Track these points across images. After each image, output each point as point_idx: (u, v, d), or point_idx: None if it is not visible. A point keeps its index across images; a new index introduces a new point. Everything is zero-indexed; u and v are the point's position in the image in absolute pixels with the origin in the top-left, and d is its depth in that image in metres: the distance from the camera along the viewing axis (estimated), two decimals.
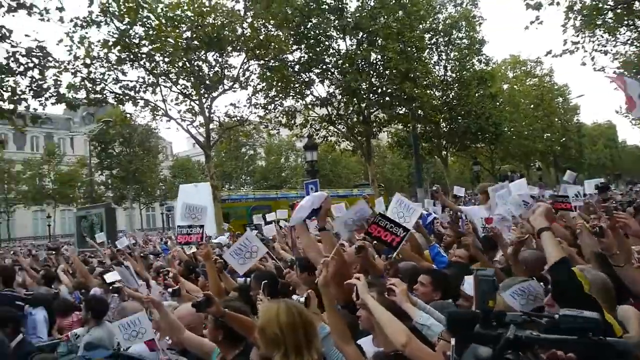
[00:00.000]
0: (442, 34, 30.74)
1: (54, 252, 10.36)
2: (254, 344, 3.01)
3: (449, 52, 31.41)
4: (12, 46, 13.63)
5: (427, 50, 28.81)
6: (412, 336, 2.64)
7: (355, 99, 23.36)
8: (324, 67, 23.36)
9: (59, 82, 14.96)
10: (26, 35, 13.00)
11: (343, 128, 25.10)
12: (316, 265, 3.30)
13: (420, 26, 26.26)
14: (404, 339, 2.60)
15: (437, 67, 30.86)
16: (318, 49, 22.78)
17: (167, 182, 54.37)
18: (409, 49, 23.48)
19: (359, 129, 24.33)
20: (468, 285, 3.39)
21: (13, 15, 13.97)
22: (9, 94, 14.32)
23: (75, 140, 59.64)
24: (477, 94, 30.88)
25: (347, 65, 22.68)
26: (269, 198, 23.55)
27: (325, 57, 23.21)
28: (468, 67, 31.12)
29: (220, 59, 20.31)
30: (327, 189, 27.64)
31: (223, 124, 21.33)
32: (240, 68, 20.75)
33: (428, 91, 26.04)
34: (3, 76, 14.06)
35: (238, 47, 20.04)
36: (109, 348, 5.61)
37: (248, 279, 6.10)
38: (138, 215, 52.97)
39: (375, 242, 3.96)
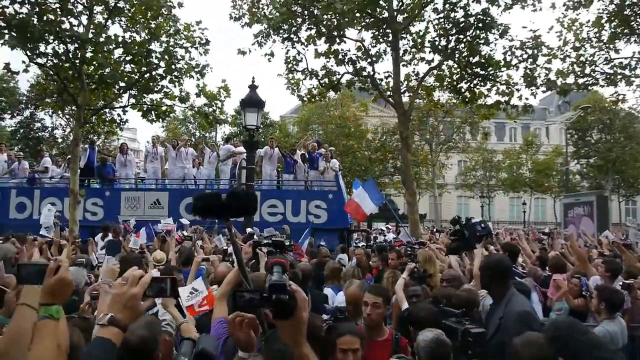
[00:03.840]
0: None
1: (549, 236, 10.72)
2: None
3: None
4: (510, 41, 14.70)
5: None
6: None
7: None
8: None
9: (549, 70, 15.10)
10: (523, 27, 13.65)
11: None
12: None
13: None
14: None
15: None
16: None
17: None
18: None
19: None
20: None
21: (509, 12, 15.01)
22: (504, 86, 15.52)
23: (550, 129, 60.10)
24: None
25: None
26: None
27: None
28: None
29: None
30: None
31: None
32: None
33: None
34: (499, 71, 15.33)
35: None
36: (618, 346, 5.15)
37: None
38: (616, 207, 48.61)
39: None
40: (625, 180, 44.62)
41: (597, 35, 16.47)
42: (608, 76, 16.56)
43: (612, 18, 16.09)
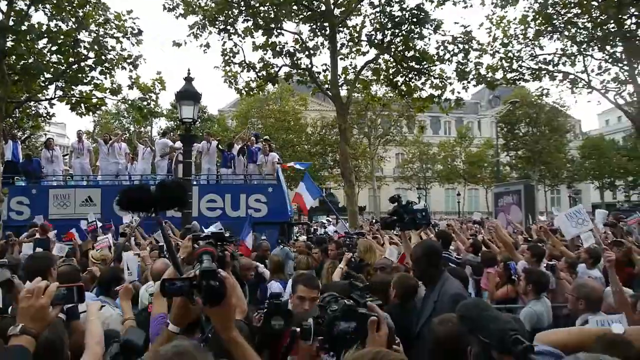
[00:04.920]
0: None
1: (478, 225, 11.13)
2: None
3: None
4: (442, 36, 15.17)
5: None
6: None
7: None
8: None
9: (479, 65, 15.73)
10: (455, 23, 14.12)
11: None
12: None
13: None
14: None
15: None
16: None
17: (575, 163, 50.80)
18: None
19: None
20: None
21: (442, 8, 15.46)
22: (437, 80, 16.01)
23: (482, 122, 62.61)
24: None
25: None
26: None
27: None
28: None
29: None
30: None
31: None
32: None
33: None
34: (432, 65, 15.78)
35: None
36: (544, 325, 5.47)
37: None
38: (542, 196, 51.48)
39: None
40: (550, 170, 47.31)
41: (523, 32, 17.35)
42: (533, 71, 17.49)
43: (537, 16, 16.99)
